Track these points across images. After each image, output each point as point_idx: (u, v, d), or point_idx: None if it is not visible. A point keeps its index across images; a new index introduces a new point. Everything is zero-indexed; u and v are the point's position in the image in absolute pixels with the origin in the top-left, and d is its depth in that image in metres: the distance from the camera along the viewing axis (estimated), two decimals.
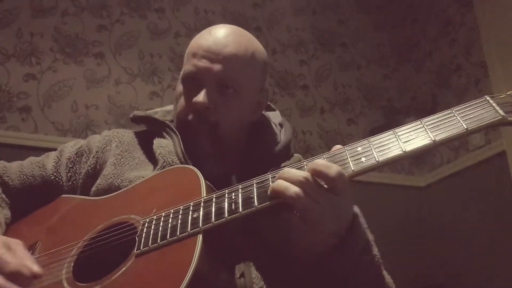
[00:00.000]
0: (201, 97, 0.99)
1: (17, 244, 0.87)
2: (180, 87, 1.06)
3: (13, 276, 0.80)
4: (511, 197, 2.48)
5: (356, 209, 0.86)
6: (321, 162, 0.77)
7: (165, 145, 1.03)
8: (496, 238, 2.52)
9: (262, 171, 0.90)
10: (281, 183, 0.76)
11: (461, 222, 2.74)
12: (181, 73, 1.06)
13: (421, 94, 3.22)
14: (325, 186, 0.75)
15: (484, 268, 2.54)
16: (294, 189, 0.74)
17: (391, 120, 3.03)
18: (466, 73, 2.89)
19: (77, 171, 1.10)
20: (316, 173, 0.75)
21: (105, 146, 1.11)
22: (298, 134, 2.95)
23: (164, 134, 1.07)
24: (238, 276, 0.85)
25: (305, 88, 3.11)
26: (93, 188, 1.03)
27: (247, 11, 3.10)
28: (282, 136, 1.10)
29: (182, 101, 1.04)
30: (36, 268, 0.81)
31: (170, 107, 1.19)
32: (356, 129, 3.13)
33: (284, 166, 1.02)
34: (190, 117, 1.01)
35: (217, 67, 1.00)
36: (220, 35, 1.05)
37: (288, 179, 0.76)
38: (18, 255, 0.84)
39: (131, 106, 2.60)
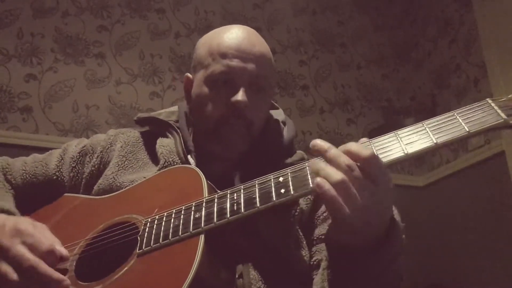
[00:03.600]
0: (240, 96, 0.98)
1: (44, 227, 0.89)
2: (205, 89, 1.03)
3: (46, 254, 0.81)
4: (510, 197, 2.49)
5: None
6: (354, 144, 0.73)
7: (166, 144, 1.04)
8: (495, 237, 2.53)
9: (265, 167, 0.90)
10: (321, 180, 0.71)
11: (460, 221, 2.74)
12: (207, 73, 1.03)
13: (421, 94, 3.23)
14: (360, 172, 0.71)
15: (483, 268, 2.55)
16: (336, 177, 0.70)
17: (391, 120, 3.03)
18: (465, 73, 2.90)
19: (80, 170, 1.10)
20: (349, 154, 0.72)
21: (110, 146, 1.11)
22: (298, 134, 2.96)
23: (167, 133, 1.07)
24: (237, 276, 0.85)
25: (305, 88, 3.11)
26: (95, 187, 1.04)
27: (247, 11, 3.10)
28: (285, 133, 1.11)
29: (214, 102, 1.02)
30: (64, 251, 0.84)
31: (174, 108, 1.19)
32: (356, 129, 3.14)
33: (287, 163, 1.04)
34: (227, 116, 1.00)
35: (250, 66, 1.01)
36: (243, 34, 1.05)
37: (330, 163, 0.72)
38: (48, 237, 0.85)
39: (132, 106, 2.61)
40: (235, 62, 1.00)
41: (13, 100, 2.39)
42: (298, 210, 0.99)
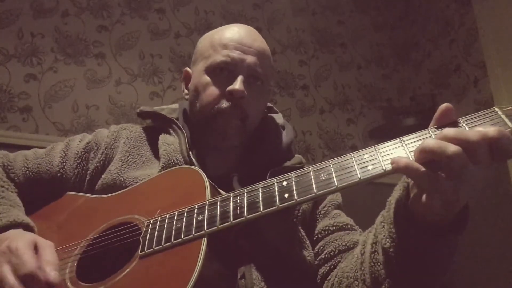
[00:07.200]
0: (238, 85, 1.00)
1: (46, 246, 0.87)
2: (205, 78, 1.05)
3: (28, 277, 0.80)
4: (510, 197, 2.49)
5: None
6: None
7: (170, 142, 1.04)
8: (495, 237, 2.53)
9: (263, 170, 0.90)
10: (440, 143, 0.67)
11: None
12: (207, 63, 1.06)
13: (421, 94, 3.23)
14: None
15: (483, 268, 2.55)
16: (453, 148, 0.66)
17: (391, 120, 3.03)
18: (465, 73, 2.90)
19: (84, 167, 1.10)
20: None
21: (113, 142, 1.12)
22: (298, 134, 2.96)
23: (171, 131, 1.08)
24: (239, 277, 0.86)
25: (305, 88, 3.11)
26: (99, 182, 1.04)
27: (247, 11, 3.10)
28: (284, 137, 1.12)
29: (212, 90, 1.03)
30: (52, 276, 0.80)
31: (175, 105, 1.20)
32: (356, 129, 3.14)
33: (286, 166, 1.04)
34: (223, 105, 1.02)
35: (250, 58, 1.04)
36: (245, 30, 1.09)
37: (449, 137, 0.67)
38: (42, 258, 0.83)
39: (132, 106, 2.61)
40: (235, 54, 1.03)
41: (13, 100, 2.39)
42: (300, 211, 1.00)
